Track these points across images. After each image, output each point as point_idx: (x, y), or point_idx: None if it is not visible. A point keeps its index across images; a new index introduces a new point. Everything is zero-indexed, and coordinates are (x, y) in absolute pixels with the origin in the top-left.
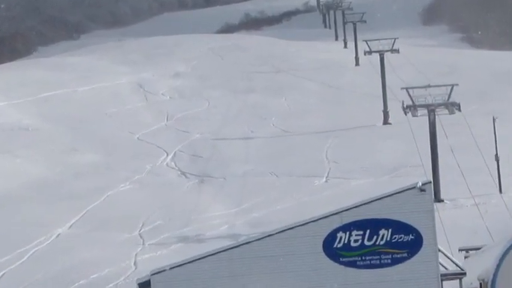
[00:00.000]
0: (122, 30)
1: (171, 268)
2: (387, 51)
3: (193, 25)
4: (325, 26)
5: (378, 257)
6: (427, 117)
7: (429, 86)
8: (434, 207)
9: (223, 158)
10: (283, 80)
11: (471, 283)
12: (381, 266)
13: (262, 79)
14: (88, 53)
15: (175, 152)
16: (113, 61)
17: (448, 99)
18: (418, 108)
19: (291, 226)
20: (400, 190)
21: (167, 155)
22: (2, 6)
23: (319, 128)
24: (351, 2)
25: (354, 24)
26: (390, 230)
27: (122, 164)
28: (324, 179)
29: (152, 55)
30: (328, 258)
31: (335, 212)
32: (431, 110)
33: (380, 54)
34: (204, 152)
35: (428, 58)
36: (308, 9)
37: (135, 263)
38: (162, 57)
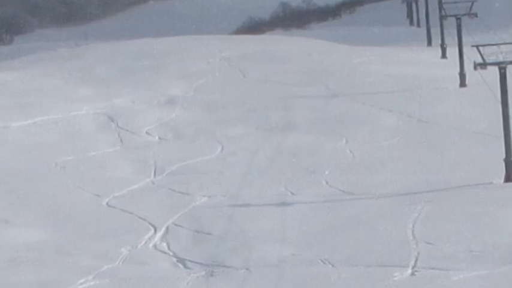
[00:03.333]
0: (82, 29)
1: None
2: None
3: (196, 21)
4: (411, 23)
5: None
6: None
7: None
8: None
9: (246, 235)
10: (343, 109)
11: None
12: None
13: (309, 108)
14: (28, 66)
15: (168, 227)
16: (67, 79)
17: None
18: None
19: None
20: None
21: (155, 231)
22: None
23: (401, 188)
24: None
25: (458, 19)
26: None
27: (83, 245)
28: (410, 270)
29: (131, 69)
30: None
31: None
32: None
33: (500, 69)
34: (215, 227)
35: None
36: None
37: None
38: (148, 72)
